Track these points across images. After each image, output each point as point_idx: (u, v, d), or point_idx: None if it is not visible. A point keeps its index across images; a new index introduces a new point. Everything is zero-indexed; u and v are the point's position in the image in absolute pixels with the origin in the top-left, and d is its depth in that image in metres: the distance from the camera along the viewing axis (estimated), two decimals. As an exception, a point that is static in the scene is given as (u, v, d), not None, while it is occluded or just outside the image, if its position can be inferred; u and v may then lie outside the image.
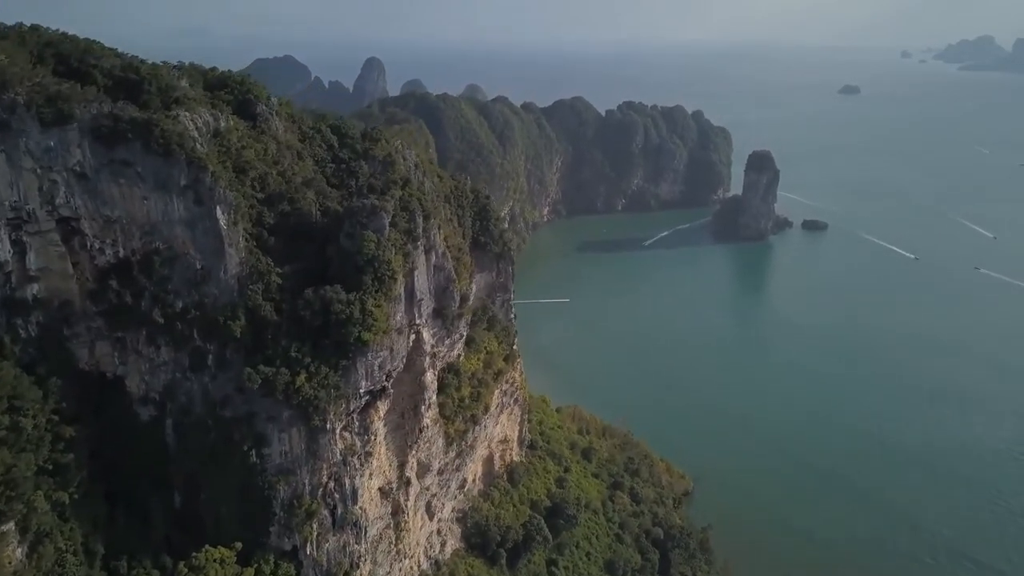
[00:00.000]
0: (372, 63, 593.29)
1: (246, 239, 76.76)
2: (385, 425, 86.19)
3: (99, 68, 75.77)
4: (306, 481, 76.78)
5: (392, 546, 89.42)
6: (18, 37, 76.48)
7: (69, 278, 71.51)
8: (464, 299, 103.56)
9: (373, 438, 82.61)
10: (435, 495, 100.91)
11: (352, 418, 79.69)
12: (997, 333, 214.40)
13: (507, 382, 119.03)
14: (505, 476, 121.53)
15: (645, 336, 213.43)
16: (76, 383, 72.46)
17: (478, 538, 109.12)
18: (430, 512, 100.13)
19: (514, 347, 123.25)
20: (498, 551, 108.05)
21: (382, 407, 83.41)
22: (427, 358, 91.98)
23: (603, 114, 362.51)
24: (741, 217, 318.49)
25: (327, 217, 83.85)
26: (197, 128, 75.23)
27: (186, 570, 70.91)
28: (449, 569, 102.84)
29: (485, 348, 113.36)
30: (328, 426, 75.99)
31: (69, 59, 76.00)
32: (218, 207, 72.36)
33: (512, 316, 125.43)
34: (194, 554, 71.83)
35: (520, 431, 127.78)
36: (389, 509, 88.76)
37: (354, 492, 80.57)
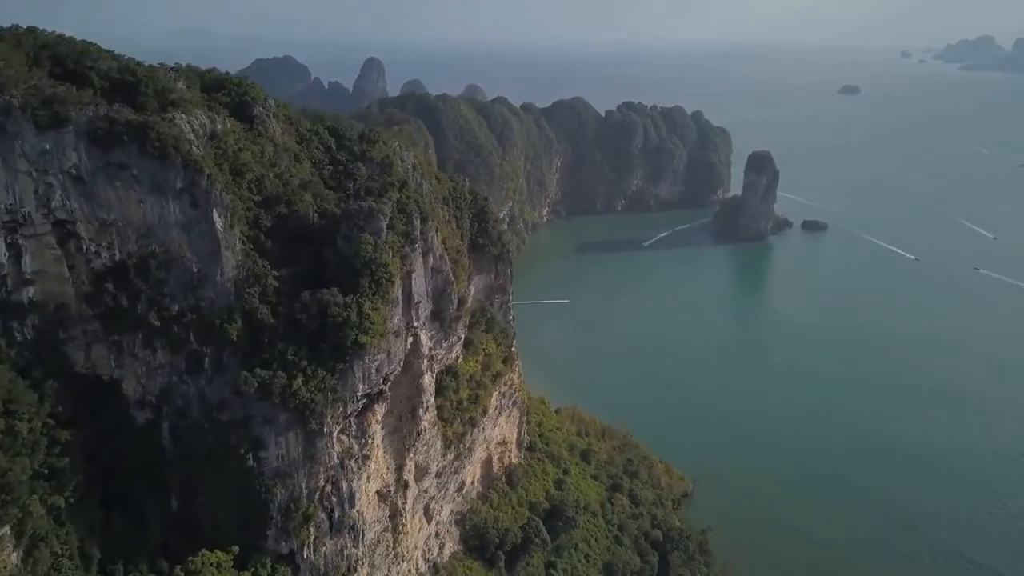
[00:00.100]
0: (372, 63, 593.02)
1: (243, 242, 76.55)
2: (383, 428, 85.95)
3: (95, 70, 75.53)
4: (303, 485, 76.52)
5: (390, 549, 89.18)
6: (14, 39, 76.24)
7: (65, 281, 71.29)
8: (462, 301, 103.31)
9: (370, 441, 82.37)
10: (433, 498, 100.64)
11: (349, 421, 79.44)
12: (997, 333, 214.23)
13: (505, 384, 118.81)
14: (504, 478, 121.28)
15: (645, 337, 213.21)
16: (72, 386, 72.20)
17: (476, 540, 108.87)
18: (428, 515, 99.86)
19: (512, 349, 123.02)
20: (496, 553, 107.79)
21: (379, 410, 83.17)
22: (425, 361, 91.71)
23: (603, 114, 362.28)
24: (741, 217, 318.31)
25: (324, 219, 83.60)
26: (193, 130, 75.07)
27: (182, 574, 70.70)
28: (447, 572, 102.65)
29: (483, 350, 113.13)
30: (325, 429, 75.74)
31: (65, 61, 75.74)
32: (214, 210, 72.13)
33: (511, 318, 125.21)
34: (190, 558, 71.59)
35: (519, 433, 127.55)
36: (387, 512, 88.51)
37: (351, 495, 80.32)
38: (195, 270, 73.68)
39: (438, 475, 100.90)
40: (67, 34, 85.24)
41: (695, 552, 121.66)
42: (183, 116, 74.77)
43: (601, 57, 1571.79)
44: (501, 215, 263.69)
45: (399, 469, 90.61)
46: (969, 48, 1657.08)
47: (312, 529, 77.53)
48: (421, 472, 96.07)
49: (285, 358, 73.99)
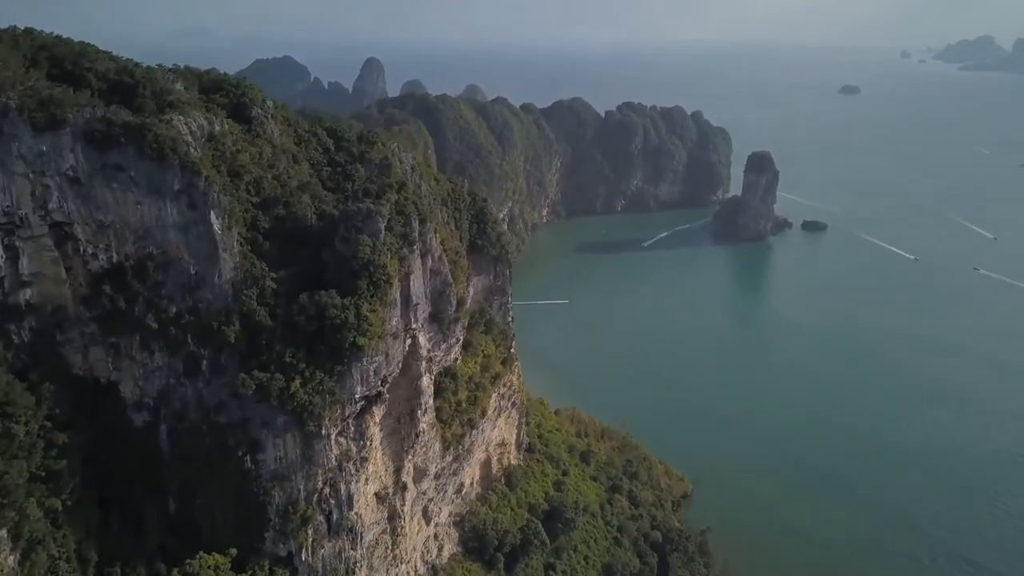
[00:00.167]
0: (371, 63, 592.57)
1: (240, 244, 76.36)
2: (381, 430, 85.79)
3: (93, 71, 75.44)
4: (301, 487, 76.36)
5: (388, 551, 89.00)
6: (11, 40, 76.16)
7: (62, 283, 71.12)
8: (461, 303, 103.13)
9: (369, 443, 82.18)
10: (432, 500, 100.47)
11: (347, 423, 79.24)
12: (996, 334, 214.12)
13: (505, 385, 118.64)
14: (503, 480, 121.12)
15: (644, 337, 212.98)
16: (69, 389, 72.07)
17: (475, 542, 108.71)
18: (427, 517, 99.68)
19: (512, 350, 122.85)
20: (495, 555, 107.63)
21: (378, 412, 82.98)
22: (423, 363, 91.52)
23: (602, 115, 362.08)
24: (740, 218, 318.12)
25: (323, 221, 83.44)
26: (191, 132, 74.91)
27: (180, 577, 70.56)
28: (446, 574, 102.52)
29: (482, 352, 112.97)
30: (323, 432, 75.57)
31: (63, 62, 75.68)
32: (212, 212, 71.97)
33: (510, 319, 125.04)
34: (188, 561, 71.43)
35: (518, 434, 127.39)
36: (385, 514, 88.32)
37: (349, 498, 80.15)
38: (193, 272, 73.52)
39: (437, 477, 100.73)
40: (67, 35, 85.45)
41: (694, 553, 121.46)
42: (181, 118, 74.60)
43: (601, 57, 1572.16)
44: (501, 215, 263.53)
45: (398, 471, 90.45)
46: (969, 48, 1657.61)
47: (310, 531, 77.37)
48: (420, 474, 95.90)
49: (283, 360, 73.82)
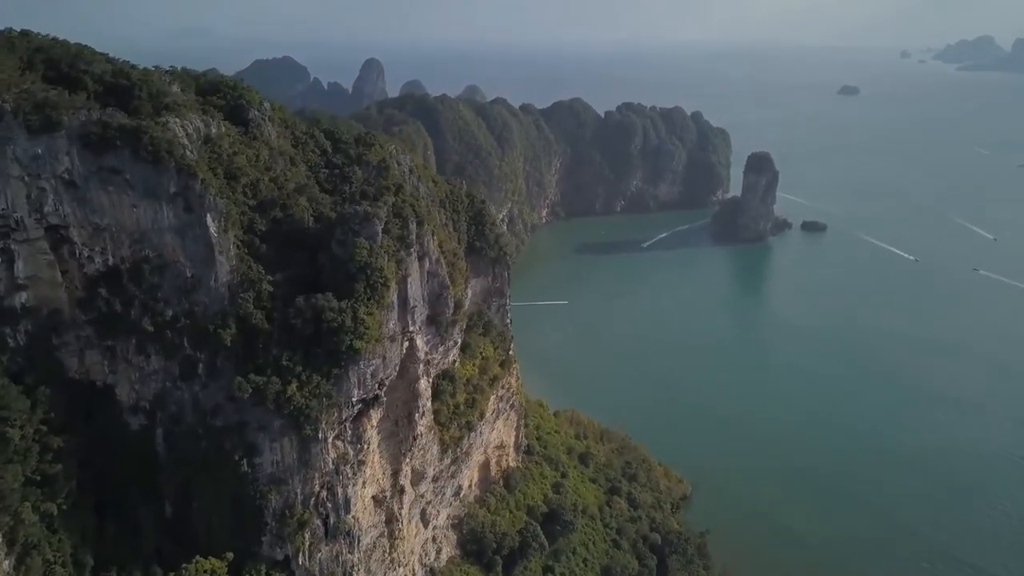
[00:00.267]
0: (371, 64, 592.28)
1: (237, 246, 76.06)
2: (378, 433, 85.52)
3: (89, 74, 75.10)
4: (298, 490, 76.08)
5: (386, 555, 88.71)
6: (7, 43, 75.82)
7: (58, 286, 70.79)
8: (459, 305, 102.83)
9: (366, 446, 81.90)
10: (430, 502, 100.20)
11: (344, 427, 78.97)
12: (996, 334, 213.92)
13: (503, 387, 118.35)
14: (501, 482, 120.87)
15: (644, 338, 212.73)
16: (65, 392, 71.69)
17: (474, 545, 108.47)
18: (425, 520, 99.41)
19: (510, 352, 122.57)
20: (494, 558, 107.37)
21: (375, 415, 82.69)
22: (421, 365, 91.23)
23: (602, 115, 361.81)
24: (740, 218, 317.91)
25: (320, 223, 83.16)
26: (187, 134, 74.62)
27: (176, 581, 70.29)
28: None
29: (480, 354, 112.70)
30: (320, 435, 75.26)
31: (59, 65, 75.38)
32: (208, 215, 71.68)
33: (508, 321, 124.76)
34: (184, 565, 71.14)
35: (517, 436, 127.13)
36: (383, 517, 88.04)
37: (347, 501, 79.85)
38: (189, 275, 73.20)
39: (435, 480, 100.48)
40: (67, 35, 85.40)
41: (693, 555, 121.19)
42: (177, 120, 74.31)
43: (601, 57, 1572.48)
44: (500, 216, 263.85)
45: (395, 474, 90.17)
46: (968, 48, 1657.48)
47: (307, 535, 77.07)
48: (418, 477, 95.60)
49: (280, 363, 73.55)
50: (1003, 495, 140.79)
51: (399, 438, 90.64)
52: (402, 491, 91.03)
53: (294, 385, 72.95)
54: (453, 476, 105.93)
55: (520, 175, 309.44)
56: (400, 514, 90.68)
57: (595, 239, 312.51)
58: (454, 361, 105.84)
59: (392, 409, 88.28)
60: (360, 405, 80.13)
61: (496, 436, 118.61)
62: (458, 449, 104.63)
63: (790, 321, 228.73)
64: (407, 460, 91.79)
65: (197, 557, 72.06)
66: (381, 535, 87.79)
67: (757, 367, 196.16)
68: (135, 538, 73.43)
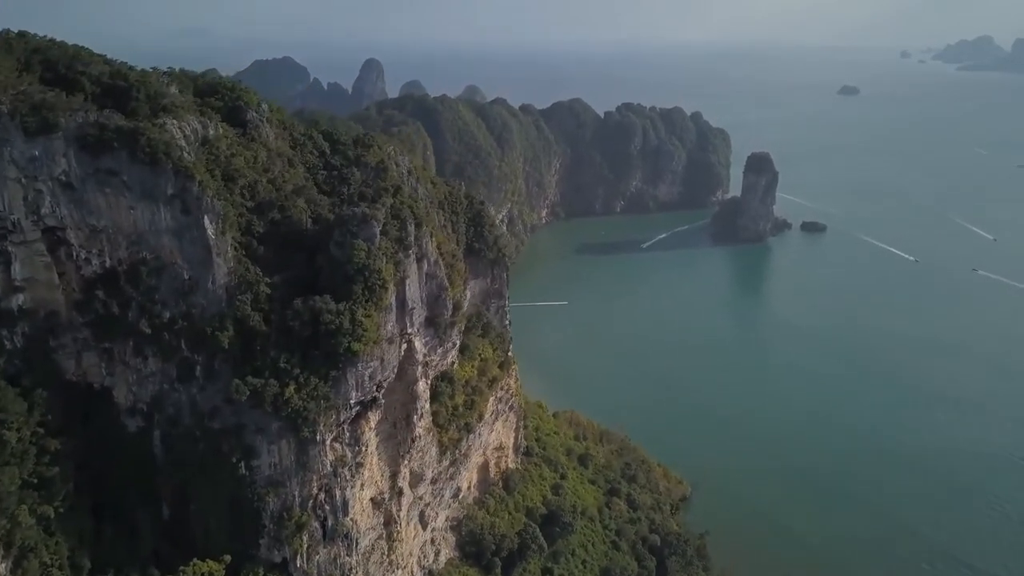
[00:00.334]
0: (371, 64, 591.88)
1: (235, 248, 75.89)
2: (377, 435, 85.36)
3: (87, 75, 74.88)
4: (296, 493, 75.88)
5: (384, 557, 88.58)
6: (4, 44, 75.58)
7: (55, 288, 70.62)
8: (457, 307, 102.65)
9: (364, 449, 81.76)
10: (428, 504, 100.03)
11: (342, 429, 78.83)
12: (996, 335, 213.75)
13: (502, 389, 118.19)
14: (500, 483, 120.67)
15: (644, 339, 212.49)
16: (62, 394, 71.52)
17: (473, 547, 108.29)
18: (423, 522, 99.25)
19: (509, 354, 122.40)
20: (493, 560, 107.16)
21: (373, 417, 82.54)
22: (419, 367, 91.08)
23: (602, 116, 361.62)
24: (740, 219, 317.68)
25: (318, 225, 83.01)
26: (185, 136, 74.46)
27: (174, 584, 70.14)
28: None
29: (479, 355, 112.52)
30: (318, 437, 75.08)
31: (57, 66, 75.19)
32: (205, 216, 71.50)
33: (507, 322, 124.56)
34: (182, 568, 71.03)
35: (516, 438, 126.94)
36: (381, 519, 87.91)
37: (345, 503, 79.68)
38: (186, 277, 73.02)
39: (433, 481, 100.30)
40: (67, 35, 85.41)
41: (693, 557, 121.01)
42: (174, 122, 74.16)
43: (601, 57, 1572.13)
44: (500, 217, 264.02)
45: (394, 476, 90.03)
46: (968, 48, 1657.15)
47: (305, 538, 76.89)
48: (416, 479, 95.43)
49: (277, 366, 73.34)
50: (1003, 496, 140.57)
51: (397, 440, 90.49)
52: (400, 493, 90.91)
53: (292, 387, 72.75)
54: (452, 478, 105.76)
55: (520, 175, 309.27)
56: (398, 516, 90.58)
57: (595, 239, 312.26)
58: (453, 363, 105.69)
59: (390, 411, 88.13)
60: (358, 407, 79.99)
61: (495, 438, 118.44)
62: (457, 451, 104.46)
63: (790, 321, 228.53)
64: (405, 462, 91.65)
65: (195, 560, 71.92)
66: (379, 537, 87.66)
67: (757, 367, 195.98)
68: (132, 540, 73.26)
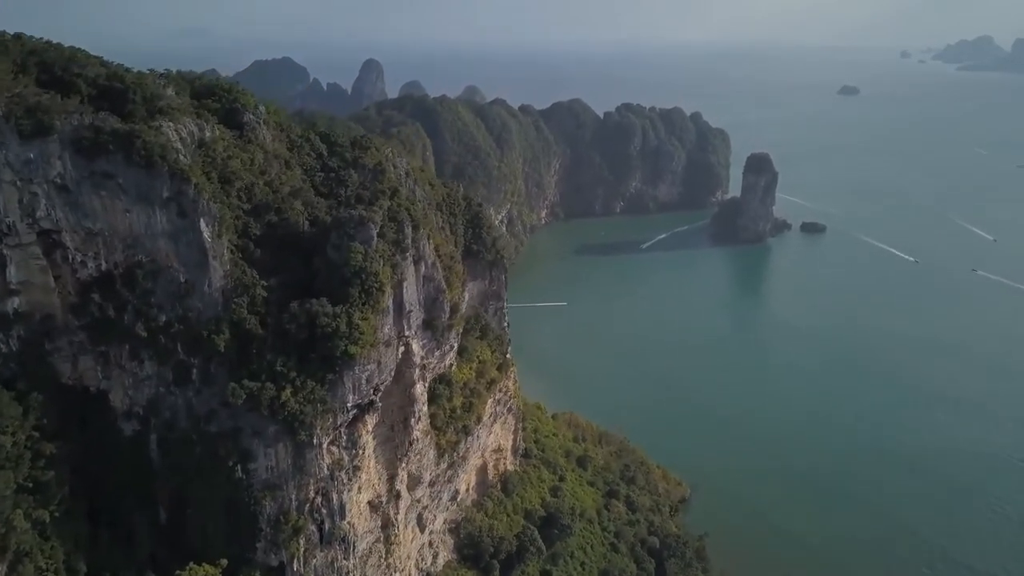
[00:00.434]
0: (370, 64, 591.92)
1: (231, 251, 75.64)
2: (374, 438, 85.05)
3: (83, 77, 74.66)
4: (293, 496, 75.56)
5: (382, 560, 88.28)
6: (0, 46, 75.36)
7: (51, 291, 70.37)
8: (455, 309, 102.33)
9: (361, 452, 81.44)
10: (426, 507, 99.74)
11: (339, 432, 78.52)
12: (996, 335, 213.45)
13: (500, 391, 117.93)
14: (499, 486, 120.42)
15: (643, 339, 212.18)
16: (58, 398, 71.28)
17: (471, 549, 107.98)
18: (421, 524, 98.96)
19: (507, 355, 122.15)
20: (491, 562, 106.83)
21: (370, 421, 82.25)
22: (417, 370, 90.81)
23: (601, 116, 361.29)
24: (739, 219, 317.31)
25: (315, 228, 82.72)
26: (181, 138, 74.22)
27: (170, 588, 69.86)
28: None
29: (477, 357, 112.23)
30: (315, 441, 74.77)
31: (53, 68, 74.92)
32: (202, 219, 71.20)
33: (505, 324, 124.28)
34: (178, 572, 70.59)
35: (514, 440, 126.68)
36: (379, 523, 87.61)
37: (342, 507, 79.40)
38: (182, 280, 72.73)
39: (431, 484, 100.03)
40: (65, 36, 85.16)
41: (692, 559, 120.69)
42: (170, 124, 73.90)
43: (601, 57, 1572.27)
44: (499, 217, 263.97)
45: (391, 479, 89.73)
46: (968, 48, 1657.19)
47: (302, 541, 76.55)
48: (414, 482, 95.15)
49: (274, 369, 73.06)
50: (1003, 496, 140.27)
51: (395, 443, 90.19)
52: (398, 496, 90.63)
53: (288, 391, 72.44)
54: (450, 480, 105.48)
55: (519, 176, 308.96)
56: (396, 519, 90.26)
57: (594, 240, 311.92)
58: (451, 365, 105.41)
59: (388, 414, 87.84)
60: (355, 410, 79.65)
61: (493, 440, 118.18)
62: (455, 453, 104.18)
63: (790, 322, 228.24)
64: (403, 465, 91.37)
65: (191, 564, 71.52)
66: (377, 540, 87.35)
67: (757, 368, 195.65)
68: (129, 545, 73.10)
